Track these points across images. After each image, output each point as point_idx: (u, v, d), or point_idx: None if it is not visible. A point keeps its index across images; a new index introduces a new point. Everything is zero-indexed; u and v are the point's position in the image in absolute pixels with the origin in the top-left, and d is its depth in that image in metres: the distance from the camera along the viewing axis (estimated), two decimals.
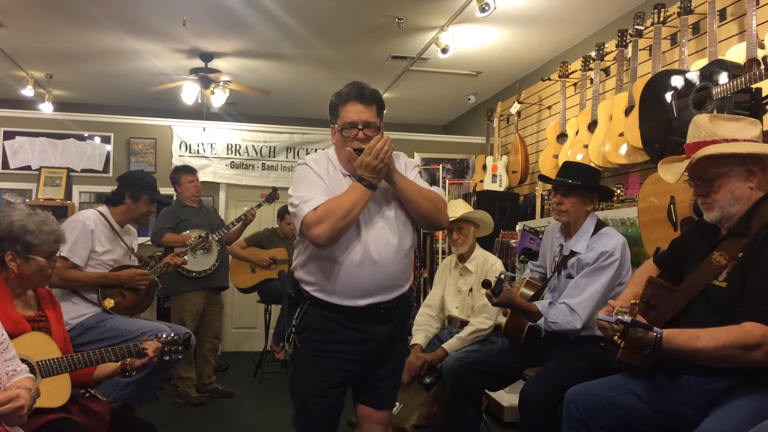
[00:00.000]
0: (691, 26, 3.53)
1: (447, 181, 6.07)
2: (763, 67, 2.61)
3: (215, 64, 5.83)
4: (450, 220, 3.48)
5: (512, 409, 3.82)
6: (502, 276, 2.69)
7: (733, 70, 2.82)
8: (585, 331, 2.71)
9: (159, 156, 6.54)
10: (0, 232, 2.21)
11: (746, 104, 2.68)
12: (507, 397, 3.99)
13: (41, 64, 6.09)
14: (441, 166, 6.39)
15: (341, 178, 2.23)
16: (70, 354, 2.27)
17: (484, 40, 5.16)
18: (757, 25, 2.94)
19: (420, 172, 2.37)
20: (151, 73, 6.15)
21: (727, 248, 1.95)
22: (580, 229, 2.84)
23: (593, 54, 4.39)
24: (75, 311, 3.20)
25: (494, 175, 5.72)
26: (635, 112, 3.54)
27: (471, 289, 3.58)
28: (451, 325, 3.71)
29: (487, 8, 4.18)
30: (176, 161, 6.32)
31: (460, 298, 3.63)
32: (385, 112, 2.28)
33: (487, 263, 3.59)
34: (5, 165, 6.23)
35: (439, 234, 5.57)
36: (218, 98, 6.13)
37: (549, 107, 5.39)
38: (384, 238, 2.18)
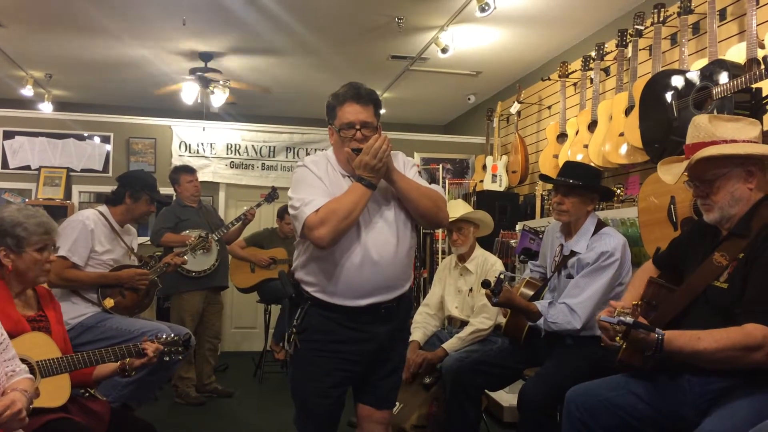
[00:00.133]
0: (691, 26, 3.53)
1: (447, 181, 6.07)
2: (763, 66, 2.61)
3: (215, 63, 5.83)
4: (450, 220, 3.48)
5: (512, 409, 3.82)
6: (502, 276, 2.69)
7: (734, 69, 2.82)
8: (585, 331, 2.71)
9: (159, 156, 6.53)
10: None
11: (746, 104, 2.68)
12: (507, 397, 3.99)
13: (41, 64, 6.08)
14: (441, 166, 6.39)
15: (340, 178, 2.23)
16: (69, 354, 2.27)
17: (484, 40, 5.16)
18: (757, 25, 2.94)
19: (420, 172, 2.37)
20: (150, 72, 6.15)
21: (728, 249, 1.95)
22: (581, 229, 2.84)
23: (593, 54, 4.39)
24: (75, 311, 3.19)
25: (494, 175, 5.72)
26: (635, 112, 3.54)
27: (471, 289, 3.58)
28: (451, 325, 3.71)
29: (487, 8, 4.18)
30: (176, 161, 6.32)
31: (460, 298, 3.64)
32: (382, 111, 2.29)
33: (487, 263, 3.59)
34: (5, 165, 6.23)
35: (439, 234, 5.57)
36: (218, 98, 6.13)
37: (549, 107, 5.39)
38: (383, 238, 2.18)
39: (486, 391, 3.22)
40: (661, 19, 3.62)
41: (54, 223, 2.36)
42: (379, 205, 2.21)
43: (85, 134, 6.43)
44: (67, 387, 2.20)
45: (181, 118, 6.71)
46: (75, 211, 5.93)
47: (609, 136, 3.91)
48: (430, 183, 2.35)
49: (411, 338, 3.52)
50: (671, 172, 2.13)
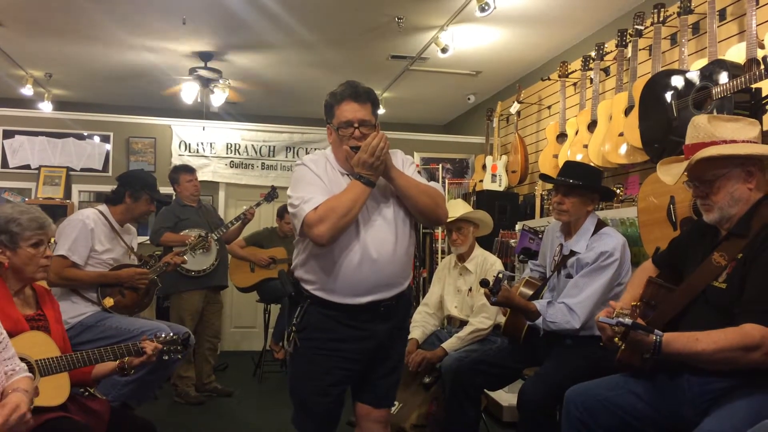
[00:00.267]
0: (690, 26, 3.53)
1: (446, 181, 6.08)
2: (762, 67, 2.61)
3: (215, 63, 5.83)
4: (449, 220, 3.48)
5: (511, 409, 3.82)
6: (500, 275, 2.68)
7: (733, 69, 2.82)
8: (584, 331, 2.70)
9: (158, 155, 6.53)
10: None
11: (746, 104, 2.68)
12: (506, 397, 4.00)
13: (41, 63, 6.08)
14: (440, 165, 6.40)
15: (339, 177, 2.24)
16: (68, 353, 2.27)
17: (483, 39, 5.16)
18: (757, 25, 2.94)
19: (420, 171, 2.38)
20: (151, 72, 6.15)
21: (727, 249, 1.95)
22: (581, 229, 2.84)
23: (593, 54, 4.39)
24: (74, 310, 3.19)
25: (494, 174, 5.72)
26: (635, 111, 3.54)
27: (470, 289, 3.58)
28: (451, 324, 3.71)
29: (486, 8, 4.18)
30: (176, 160, 6.32)
31: (460, 298, 3.64)
32: (382, 111, 2.29)
33: (487, 263, 3.60)
34: (5, 164, 6.23)
35: (439, 233, 5.57)
36: (218, 98, 6.13)
37: (549, 107, 5.39)
38: (382, 236, 2.19)
39: (485, 390, 3.23)
40: (661, 19, 3.62)
41: (48, 219, 2.36)
42: (378, 203, 2.22)
43: (85, 133, 6.43)
44: (67, 386, 2.20)
45: (181, 118, 6.71)
46: (75, 210, 5.94)
47: (609, 136, 3.91)
48: (429, 182, 2.36)
49: (410, 336, 3.52)
50: (670, 173, 2.13)
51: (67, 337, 2.44)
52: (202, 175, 5.89)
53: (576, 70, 4.65)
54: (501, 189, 5.63)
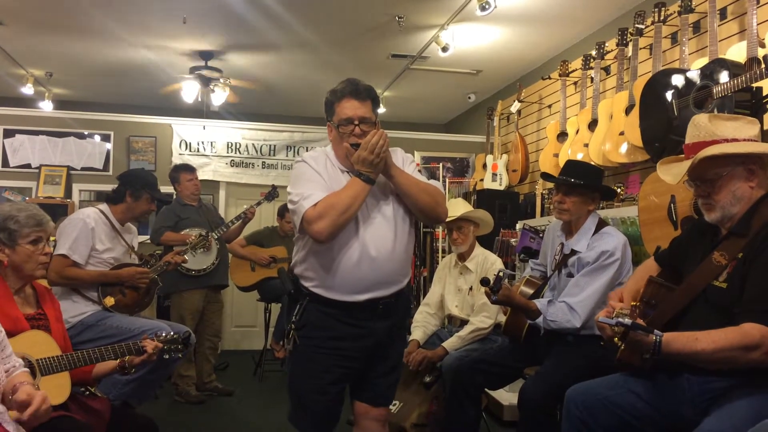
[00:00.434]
0: (691, 25, 3.53)
1: (447, 180, 6.07)
2: (763, 65, 2.62)
3: (215, 62, 5.83)
4: (450, 219, 3.48)
5: (512, 408, 3.82)
6: (501, 274, 2.68)
7: (734, 68, 2.82)
8: (585, 330, 2.71)
9: (159, 154, 6.54)
10: None
11: (747, 103, 2.68)
12: (507, 396, 4.00)
13: (41, 62, 6.08)
14: (441, 164, 6.39)
15: (339, 174, 2.24)
16: (69, 352, 2.27)
17: (484, 38, 5.15)
18: (758, 24, 2.94)
19: (420, 170, 2.38)
20: (151, 71, 6.14)
21: (728, 248, 1.95)
22: (582, 228, 2.84)
23: (594, 53, 4.39)
24: (75, 309, 3.19)
25: (494, 173, 5.72)
26: (636, 110, 3.54)
27: (471, 288, 3.58)
28: (451, 323, 3.71)
29: (487, 7, 4.17)
30: (176, 159, 6.33)
31: (460, 297, 3.64)
32: (382, 110, 2.29)
33: (487, 262, 3.60)
34: (5, 163, 6.23)
35: (439, 233, 5.57)
36: (218, 96, 6.12)
37: (549, 106, 5.39)
38: (381, 234, 2.19)
39: (486, 389, 3.23)
40: (662, 18, 3.62)
41: (46, 216, 2.36)
42: (377, 200, 2.22)
43: (86, 132, 6.44)
44: (67, 385, 2.20)
45: (182, 117, 6.71)
46: (75, 209, 5.93)
47: (609, 135, 3.91)
48: (429, 180, 2.36)
49: (411, 337, 3.53)
50: (671, 172, 2.12)
51: (67, 336, 2.44)
52: (202, 174, 5.89)
53: (576, 69, 4.64)
54: (501, 188, 5.63)
